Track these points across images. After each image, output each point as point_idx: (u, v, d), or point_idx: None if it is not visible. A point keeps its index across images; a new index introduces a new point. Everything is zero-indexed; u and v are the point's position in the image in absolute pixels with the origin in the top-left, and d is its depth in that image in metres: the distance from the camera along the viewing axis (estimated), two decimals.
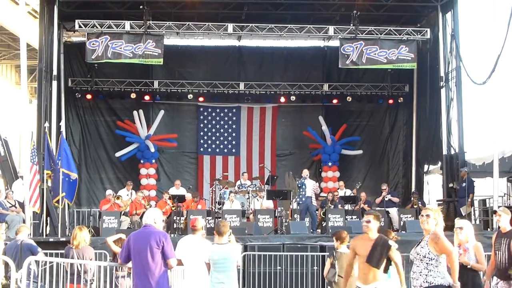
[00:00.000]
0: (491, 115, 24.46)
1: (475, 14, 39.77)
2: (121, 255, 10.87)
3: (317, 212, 24.34)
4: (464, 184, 24.66)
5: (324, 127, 30.91)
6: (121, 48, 25.95)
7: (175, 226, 23.75)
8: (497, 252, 11.50)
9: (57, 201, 22.47)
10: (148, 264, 10.32)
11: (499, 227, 11.69)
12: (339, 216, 23.33)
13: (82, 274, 12.57)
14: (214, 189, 26.88)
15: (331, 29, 26.92)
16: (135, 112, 30.06)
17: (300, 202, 23.78)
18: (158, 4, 26.75)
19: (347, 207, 25.31)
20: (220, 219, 22.08)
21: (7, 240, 16.55)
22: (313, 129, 30.83)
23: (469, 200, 24.04)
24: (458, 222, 11.87)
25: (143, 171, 29.89)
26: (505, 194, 27.21)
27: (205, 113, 31.62)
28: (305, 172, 24.32)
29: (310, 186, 23.57)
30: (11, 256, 13.13)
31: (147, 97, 30.50)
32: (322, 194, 27.64)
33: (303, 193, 23.46)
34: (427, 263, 9.71)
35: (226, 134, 31.66)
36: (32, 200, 21.17)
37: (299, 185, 23.75)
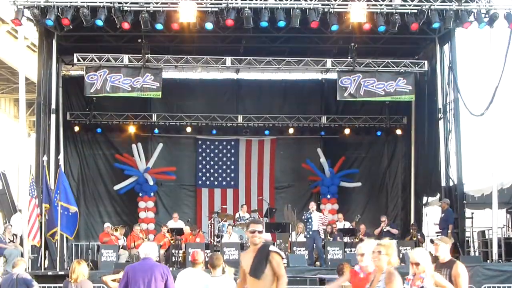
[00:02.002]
0: (490, 146, 24.52)
1: (473, 46, 39.87)
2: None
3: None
4: (443, 215, 24.71)
5: (323, 159, 30.91)
6: (119, 81, 26.03)
7: (173, 259, 23.66)
8: None
9: (51, 235, 22.38)
10: None
11: (437, 258, 11.19)
12: (338, 249, 23.27)
13: None
14: (212, 222, 26.80)
15: (328, 61, 27.04)
16: (133, 146, 30.07)
17: (308, 236, 23.73)
18: (156, 38, 26.84)
19: (346, 239, 25.24)
20: (219, 252, 22.00)
21: (4, 273, 16.50)
22: (311, 162, 30.82)
23: (449, 231, 23.96)
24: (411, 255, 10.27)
25: (141, 204, 29.82)
26: (504, 225, 27.16)
27: (204, 146, 31.64)
28: (312, 205, 24.33)
29: (317, 219, 23.53)
30: None
31: (145, 131, 30.57)
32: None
33: (310, 226, 23.43)
34: None
35: (224, 167, 31.66)
36: (31, 233, 21.13)
37: (305, 219, 23.74)
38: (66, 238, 23.87)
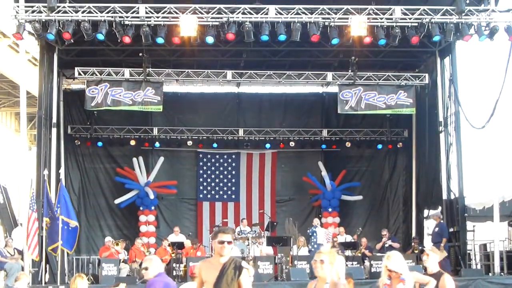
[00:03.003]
0: (491, 159, 24.52)
1: (473, 59, 39.96)
2: None
3: None
4: (437, 229, 24.71)
5: (324, 173, 30.89)
6: (120, 95, 26.07)
7: (174, 273, 23.59)
8: None
9: (53, 249, 22.34)
10: None
11: (425, 269, 10.96)
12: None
13: None
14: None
15: (329, 75, 27.13)
16: (134, 159, 30.07)
17: (312, 250, 23.71)
18: (157, 52, 26.89)
19: (348, 253, 25.18)
20: None
21: None
22: (312, 175, 30.80)
23: (442, 244, 23.94)
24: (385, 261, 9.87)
25: (142, 218, 29.78)
26: (506, 238, 27.12)
27: (205, 160, 31.63)
28: (316, 221, 24.46)
29: (322, 234, 23.58)
30: None
31: (146, 144, 30.60)
32: None
33: (315, 240, 23.41)
34: None
35: (225, 180, 31.64)
36: (30, 247, 21.08)
37: (310, 234, 23.74)
38: (67, 252, 23.80)
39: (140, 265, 23.39)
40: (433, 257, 10.76)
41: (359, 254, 25.01)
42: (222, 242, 8.81)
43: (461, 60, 26.79)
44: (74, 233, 22.78)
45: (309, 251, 24.16)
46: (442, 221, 25.02)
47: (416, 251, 25.31)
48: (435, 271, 10.60)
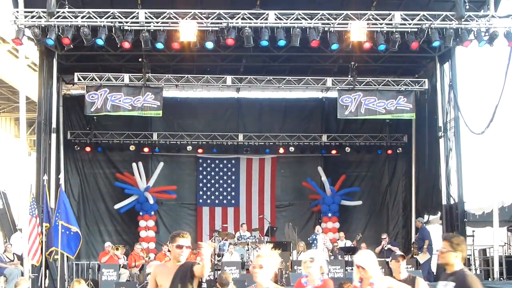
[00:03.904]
0: (490, 164, 24.52)
1: (473, 64, 40.01)
2: None
3: None
4: (418, 234, 24.92)
5: (324, 178, 30.89)
6: (120, 100, 26.09)
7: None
8: None
9: (49, 254, 22.32)
10: None
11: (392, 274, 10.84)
12: (339, 267, 23.18)
13: None
14: (213, 240, 26.73)
15: (329, 80, 27.17)
16: (134, 164, 30.05)
17: None
18: (157, 57, 26.90)
19: (347, 258, 25.17)
20: (220, 271, 21.93)
21: None
22: (312, 180, 30.80)
23: (425, 246, 23.97)
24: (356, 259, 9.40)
25: (142, 223, 29.77)
26: (505, 243, 27.11)
27: (204, 165, 31.64)
28: (318, 229, 24.38)
29: (321, 241, 23.55)
30: None
31: (146, 149, 30.59)
32: None
33: (314, 248, 23.39)
34: None
35: (225, 185, 31.64)
36: (31, 252, 21.08)
37: (310, 241, 23.73)
38: (67, 257, 23.79)
39: (140, 270, 23.42)
40: (404, 264, 10.93)
41: None
42: (180, 247, 8.60)
43: (460, 66, 26.84)
44: (76, 238, 22.75)
45: None
46: (424, 225, 25.39)
47: (416, 256, 25.32)
48: (405, 276, 10.70)
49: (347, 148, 30.91)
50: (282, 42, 23.35)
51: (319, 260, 9.45)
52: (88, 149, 30.11)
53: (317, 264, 9.39)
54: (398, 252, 10.82)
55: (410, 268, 23.78)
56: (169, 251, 24.21)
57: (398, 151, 31.22)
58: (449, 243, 8.11)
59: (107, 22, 22.67)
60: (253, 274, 8.05)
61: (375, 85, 26.98)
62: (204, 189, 31.51)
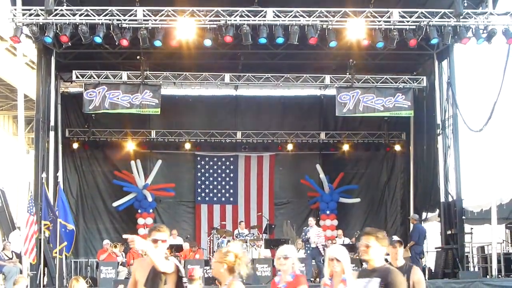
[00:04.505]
0: (489, 162, 24.53)
1: (471, 62, 39.96)
2: None
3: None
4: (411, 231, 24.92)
5: (322, 175, 30.89)
6: (118, 98, 26.06)
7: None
8: None
9: (56, 252, 22.32)
10: None
11: (362, 263, 10.45)
12: None
13: None
14: (211, 238, 26.75)
15: (327, 78, 27.15)
16: (132, 162, 30.06)
17: (308, 252, 23.67)
18: (155, 55, 26.88)
19: None
20: None
21: None
22: (310, 178, 30.80)
23: (408, 245, 23.98)
24: (329, 252, 9.28)
25: (140, 221, 29.75)
26: (503, 240, 27.13)
27: (203, 162, 31.64)
28: (310, 221, 24.17)
29: (314, 235, 23.43)
30: None
31: (144, 147, 30.58)
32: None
33: (308, 245, 23.36)
34: None
35: (223, 183, 31.64)
36: (28, 251, 21.09)
37: (304, 240, 23.67)
38: (65, 254, 23.78)
39: None
40: (402, 249, 10.26)
41: (357, 257, 24.99)
42: (155, 241, 8.28)
43: (459, 63, 26.78)
44: (70, 236, 22.79)
45: (304, 253, 24.10)
46: (418, 222, 25.30)
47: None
48: (403, 264, 10.00)
49: (345, 145, 30.92)
50: (280, 40, 23.34)
51: (293, 257, 9.29)
52: (86, 147, 30.15)
53: (290, 262, 9.22)
54: (396, 238, 10.45)
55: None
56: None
57: (396, 149, 31.21)
58: (374, 238, 7.88)
59: (105, 19, 22.68)
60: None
61: (373, 83, 26.97)
62: (203, 186, 31.51)
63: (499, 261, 24.05)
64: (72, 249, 23.91)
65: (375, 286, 7.68)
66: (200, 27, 23.03)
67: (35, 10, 22.49)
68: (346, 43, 23.97)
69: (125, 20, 22.81)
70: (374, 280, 7.73)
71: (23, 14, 22.52)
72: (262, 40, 23.27)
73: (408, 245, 24.01)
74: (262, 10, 23.08)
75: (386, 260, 8.55)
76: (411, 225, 29.29)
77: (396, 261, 10.02)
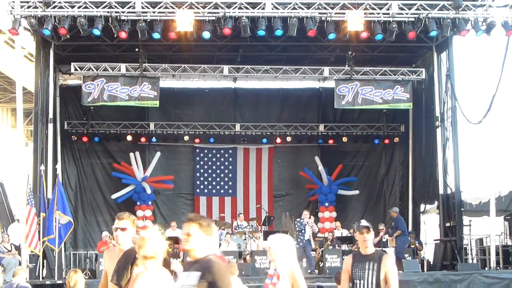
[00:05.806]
0: (487, 154, 24.58)
1: (470, 54, 39.99)
2: None
3: (314, 252, 24.26)
4: (393, 223, 25.06)
5: (321, 168, 30.88)
6: (117, 90, 26.05)
7: (171, 267, 23.58)
8: (358, 280, 9.37)
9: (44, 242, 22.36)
10: None
11: (358, 248, 9.89)
12: (336, 257, 23.19)
13: None
14: None
15: (326, 70, 27.11)
16: (131, 154, 30.06)
17: (297, 246, 23.65)
18: (154, 47, 26.88)
19: (344, 247, 25.20)
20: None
21: (3, 283, 16.45)
22: (309, 170, 30.81)
23: (395, 235, 24.09)
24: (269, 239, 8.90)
25: (139, 213, 29.73)
26: (502, 233, 27.16)
27: (201, 155, 31.62)
28: (305, 214, 24.17)
29: (309, 228, 23.48)
30: None
31: (143, 139, 30.58)
32: (319, 235, 27.66)
33: (302, 237, 23.34)
34: None
35: (222, 175, 31.63)
36: (32, 241, 21.17)
37: (298, 230, 23.63)
38: (65, 247, 23.81)
39: None
40: (370, 235, 9.49)
41: (356, 249, 25.03)
42: (115, 230, 8.09)
43: (458, 55, 26.82)
44: (65, 229, 22.81)
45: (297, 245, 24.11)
46: (398, 215, 25.28)
47: (413, 246, 25.41)
48: (373, 251, 9.49)
49: (344, 137, 30.91)
50: (279, 32, 23.35)
51: (272, 246, 8.74)
52: (85, 139, 30.10)
53: (271, 252, 8.71)
54: (365, 223, 10.05)
55: (407, 257, 23.88)
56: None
57: (395, 141, 31.21)
58: (198, 225, 6.87)
59: (103, 12, 22.67)
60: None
61: (372, 75, 26.96)
62: (201, 179, 31.50)
63: (497, 253, 24.11)
64: (70, 242, 23.88)
65: (193, 281, 6.61)
66: (198, 19, 23.01)
67: (33, 2, 22.47)
68: (345, 35, 23.94)
69: (123, 12, 22.80)
70: (193, 274, 6.69)
71: (21, 6, 22.50)
72: (261, 32, 23.28)
73: (395, 234, 24.09)
74: (261, 2, 23.07)
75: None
76: (410, 217, 29.56)
77: (366, 249, 9.44)
